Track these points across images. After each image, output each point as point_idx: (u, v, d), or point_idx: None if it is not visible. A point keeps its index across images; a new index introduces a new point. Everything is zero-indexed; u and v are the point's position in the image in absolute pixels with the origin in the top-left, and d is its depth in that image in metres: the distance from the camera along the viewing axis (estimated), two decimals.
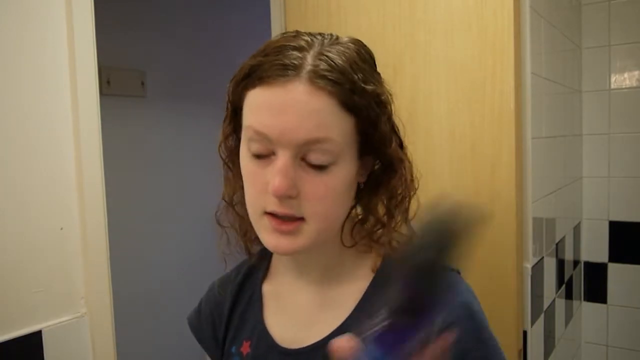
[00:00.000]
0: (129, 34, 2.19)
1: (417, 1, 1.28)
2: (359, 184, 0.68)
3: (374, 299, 0.68)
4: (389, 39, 1.32)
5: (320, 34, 0.65)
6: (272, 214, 0.61)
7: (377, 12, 1.34)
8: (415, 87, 1.29)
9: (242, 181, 0.67)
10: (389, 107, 0.66)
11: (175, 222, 2.32)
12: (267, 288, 0.77)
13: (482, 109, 1.21)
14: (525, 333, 1.24)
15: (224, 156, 0.71)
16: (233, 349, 0.76)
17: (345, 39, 0.66)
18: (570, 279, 1.79)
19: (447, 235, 0.46)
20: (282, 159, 0.59)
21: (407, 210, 0.69)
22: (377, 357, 0.44)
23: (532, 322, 1.28)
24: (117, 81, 2.14)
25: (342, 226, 0.69)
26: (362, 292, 0.69)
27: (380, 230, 0.68)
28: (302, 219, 0.61)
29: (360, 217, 0.70)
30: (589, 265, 1.99)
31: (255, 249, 0.78)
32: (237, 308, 0.78)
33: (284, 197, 0.59)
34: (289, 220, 0.61)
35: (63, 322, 0.96)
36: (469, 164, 1.23)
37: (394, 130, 0.67)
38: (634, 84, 1.89)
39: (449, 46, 1.24)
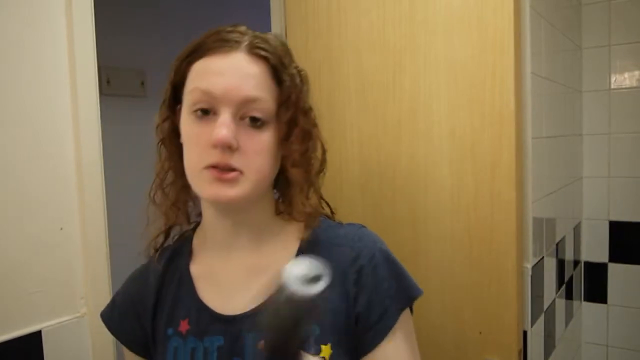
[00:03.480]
0: (129, 34, 2.19)
1: (417, 1, 1.28)
2: (288, 170, 0.76)
3: None
4: (389, 39, 1.32)
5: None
6: (213, 167, 0.69)
7: (377, 12, 1.34)
8: (415, 87, 1.29)
9: (171, 162, 0.79)
10: (305, 89, 0.77)
11: None
12: (196, 268, 0.82)
13: (482, 109, 1.21)
14: (525, 333, 1.24)
15: (160, 137, 0.80)
16: (170, 331, 0.78)
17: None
18: (571, 279, 1.79)
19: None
20: (225, 114, 0.69)
21: (316, 183, 0.80)
22: None
23: (532, 322, 1.28)
24: (117, 81, 2.14)
25: (269, 193, 0.79)
26: (293, 255, 0.77)
27: (300, 200, 0.77)
28: (241, 172, 0.69)
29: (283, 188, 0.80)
30: (589, 265, 1.98)
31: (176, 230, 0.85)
32: (165, 293, 0.81)
33: (225, 148, 0.68)
34: (229, 171, 0.69)
35: (63, 322, 0.96)
36: (469, 164, 1.23)
37: (309, 110, 0.77)
38: (634, 84, 1.89)
39: (449, 46, 1.24)
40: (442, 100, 1.26)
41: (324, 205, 0.85)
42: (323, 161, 0.81)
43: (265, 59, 0.71)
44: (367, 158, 1.37)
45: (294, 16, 1.48)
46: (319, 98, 1.42)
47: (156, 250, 0.84)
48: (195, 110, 0.71)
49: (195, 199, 0.83)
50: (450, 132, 1.25)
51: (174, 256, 0.84)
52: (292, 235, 0.79)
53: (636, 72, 1.89)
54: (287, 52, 0.76)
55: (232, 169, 0.69)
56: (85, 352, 0.99)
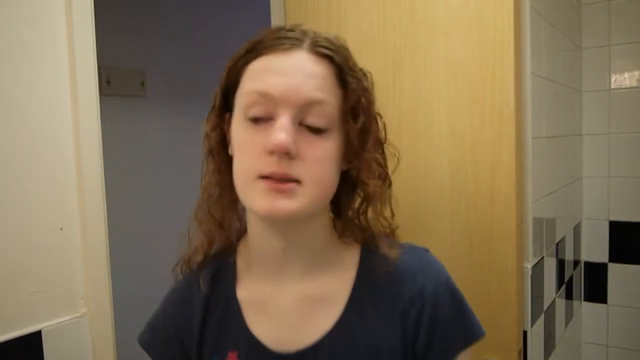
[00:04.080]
0: (129, 34, 2.19)
1: (417, 1, 1.28)
2: (364, 183, 0.69)
3: (364, 294, 0.69)
4: (389, 39, 1.32)
5: None
6: (267, 178, 0.61)
7: (377, 12, 1.34)
8: (415, 87, 1.29)
9: (219, 175, 0.70)
10: (371, 94, 0.70)
11: (175, 222, 2.32)
12: (244, 294, 0.73)
13: (482, 109, 1.21)
14: (525, 333, 1.24)
15: (207, 147, 0.71)
16: None
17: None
18: (571, 279, 1.79)
19: None
20: (284, 118, 0.60)
21: (380, 202, 0.72)
22: None
23: (532, 322, 1.28)
24: (117, 81, 2.14)
25: (326, 211, 0.71)
26: (351, 285, 0.69)
27: (380, 218, 0.71)
28: (299, 182, 0.61)
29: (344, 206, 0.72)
30: (589, 265, 1.98)
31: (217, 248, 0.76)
32: (211, 318, 0.73)
33: (283, 155, 0.60)
34: (286, 181, 0.61)
35: (63, 322, 0.96)
36: (469, 164, 1.23)
37: (380, 117, 0.71)
38: (634, 84, 1.89)
39: (449, 46, 1.24)
40: (442, 100, 1.26)
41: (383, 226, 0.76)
42: (384, 179, 0.74)
43: (329, 58, 0.63)
44: None
45: (294, 16, 1.48)
46: None
47: (193, 269, 0.76)
48: (250, 116, 0.63)
49: (242, 218, 0.74)
50: (450, 132, 1.25)
51: (217, 276, 0.75)
52: (349, 261, 0.71)
53: (636, 72, 1.89)
54: (350, 54, 0.68)
55: (290, 180, 0.61)
56: (85, 352, 0.99)
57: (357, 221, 0.71)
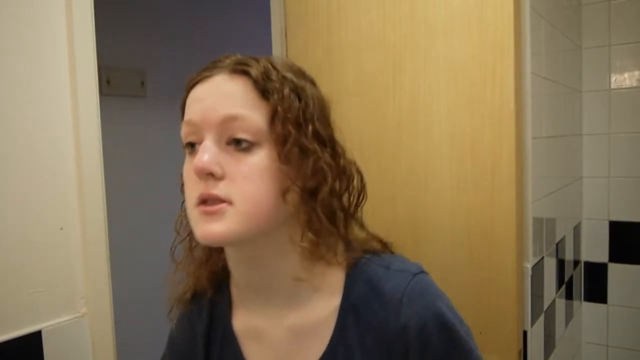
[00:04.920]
0: (129, 34, 2.19)
1: (417, 1, 1.28)
2: (301, 196, 0.64)
3: (349, 324, 0.66)
4: (389, 39, 1.32)
5: None
6: (202, 203, 0.61)
7: (377, 12, 1.34)
8: (415, 87, 1.29)
9: None
10: (312, 103, 0.66)
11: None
12: (239, 325, 0.73)
13: (482, 109, 1.21)
14: (525, 333, 1.24)
15: (181, 184, 0.71)
16: None
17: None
18: (571, 279, 1.79)
19: None
20: (206, 141, 0.61)
21: (345, 215, 0.68)
22: None
23: (532, 322, 1.28)
24: (117, 81, 2.14)
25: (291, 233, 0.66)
26: (336, 314, 0.67)
27: (312, 242, 0.65)
28: (229, 203, 0.60)
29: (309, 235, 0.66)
30: (589, 265, 1.98)
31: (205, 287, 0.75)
32: (212, 350, 0.74)
33: (208, 176, 0.60)
34: (214, 204, 0.60)
35: (63, 322, 0.96)
36: (469, 164, 1.23)
37: (307, 125, 0.64)
38: (634, 84, 1.89)
39: (449, 46, 1.24)
40: (442, 100, 1.26)
41: (372, 244, 0.72)
42: (361, 189, 0.70)
43: (246, 73, 0.63)
44: (367, 158, 1.37)
45: (294, 16, 1.48)
46: None
47: (188, 305, 0.76)
48: (186, 146, 0.65)
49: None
50: (450, 132, 1.25)
51: (214, 308, 0.75)
52: (334, 286, 0.68)
53: (636, 72, 1.89)
54: (286, 67, 0.66)
55: (220, 201, 0.60)
56: (85, 352, 0.99)
57: (309, 250, 0.65)
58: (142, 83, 2.26)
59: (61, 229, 0.96)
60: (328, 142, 0.67)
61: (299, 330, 0.68)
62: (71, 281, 0.98)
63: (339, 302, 0.67)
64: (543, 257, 1.39)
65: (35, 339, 0.91)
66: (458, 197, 1.24)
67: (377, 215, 1.35)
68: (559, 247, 1.60)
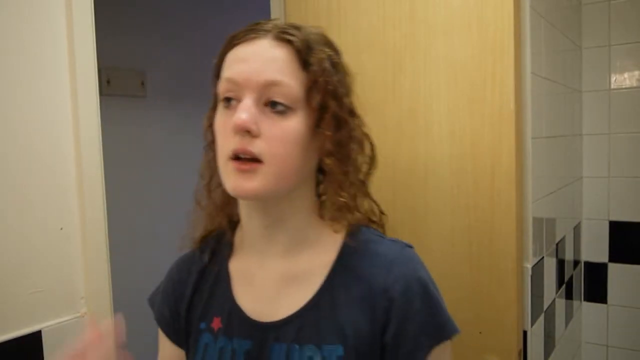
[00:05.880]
0: (129, 34, 2.19)
1: (417, 1, 1.28)
2: (323, 161, 0.71)
3: (340, 278, 0.72)
4: (389, 39, 1.32)
5: None
6: (235, 159, 0.66)
7: (377, 12, 1.34)
8: (415, 87, 1.29)
9: (216, 163, 0.72)
10: (345, 77, 0.73)
11: (175, 221, 2.32)
12: (234, 265, 0.79)
13: (482, 109, 1.21)
14: (525, 333, 1.24)
15: (207, 140, 0.77)
16: (203, 325, 0.78)
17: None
18: (570, 279, 1.79)
19: None
20: (246, 99, 0.66)
21: (363, 183, 0.76)
22: None
23: (532, 322, 1.28)
24: (117, 81, 2.14)
25: (307, 192, 0.74)
26: (330, 266, 0.73)
27: (333, 197, 0.72)
28: (261, 162, 0.66)
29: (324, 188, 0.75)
30: (589, 265, 1.98)
31: (221, 234, 0.82)
32: (204, 285, 0.80)
33: (245, 133, 0.65)
34: (248, 161, 0.66)
35: (63, 322, 0.96)
36: (469, 164, 1.23)
37: (343, 97, 0.71)
38: (634, 84, 1.89)
39: (449, 46, 1.24)
40: (442, 100, 1.26)
41: (374, 211, 0.79)
42: (372, 158, 0.77)
43: (290, 42, 0.68)
44: None
45: (294, 16, 1.48)
46: None
47: (199, 243, 0.83)
48: (223, 100, 0.69)
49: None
50: (450, 132, 1.25)
51: (217, 250, 0.82)
52: (331, 245, 0.74)
53: (636, 72, 1.89)
54: (323, 41, 0.71)
55: (252, 159, 0.65)
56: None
57: (337, 207, 0.73)
58: (142, 83, 2.26)
59: (61, 229, 0.97)
60: (355, 113, 0.74)
61: (290, 277, 0.74)
62: (71, 281, 0.98)
63: (334, 258, 0.73)
64: (543, 257, 1.39)
65: (35, 339, 0.91)
66: (458, 197, 1.24)
67: None
68: (559, 247, 1.61)
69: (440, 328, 0.70)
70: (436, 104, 1.26)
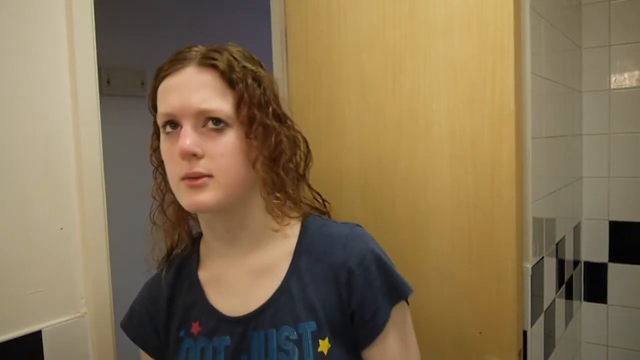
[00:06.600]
0: (129, 34, 2.20)
1: (417, 1, 1.28)
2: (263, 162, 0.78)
3: (302, 261, 0.81)
4: (389, 39, 1.32)
5: None
6: (187, 178, 0.73)
7: (377, 12, 1.34)
8: (415, 87, 1.29)
9: (166, 184, 0.82)
10: (268, 87, 0.80)
11: None
12: (203, 274, 0.87)
13: (482, 109, 1.21)
14: (525, 333, 1.24)
15: (154, 165, 0.88)
16: (182, 333, 0.84)
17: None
18: (570, 279, 1.79)
19: None
20: (185, 127, 0.74)
21: (303, 177, 0.86)
22: None
23: (532, 322, 1.28)
24: (117, 81, 2.14)
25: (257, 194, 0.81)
26: (291, 255, 0.81)
27: (277, 202, 0.81)
28: (211, 176, 0.73)
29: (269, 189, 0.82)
30: (589, 265, 1.98)
31: (181, 247, 0.91)
32: (177, 298, 0.87)
33: (191, 156, 0.72)
34: (198, 177, 0.73)
35: (63, 322, 0.96)
36: (469, 164, 1.23)
37: (267, 106, 0.78)
38: (634, 84, 1.89)
39: (449, 46, 1.24)
40: (442, 100, 1.26)
41: (316, 200, 0.90)
42: (307, 153, 0.86)
43: (214, 66, 0.74)
44: (367, 158, 1.37)
45: (294, 16, 1.48)
46: (319, 98, 1.43)
47: (164, 262, 0.90)
48: (164, 128, 0.76)
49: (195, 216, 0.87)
50: (450, 132, 1.25)
51: (184, 263, 0.89)
52: (290, 235, 0.83)
53: (636, 72, 1.89)
54: (244, 57, 0.79)
55: (202, 175, 0.73)
56: (85, 352, 0.99)
57: (277, 206, 0.81)
58: (142, 83, 2.27)
59: (61, 229, 0.97)
60: (282, 117, 0.82)
61: (257, 269, 0.82)
62: (71, 281, 0.98)
63: (295, 245, 0.82)
64: (543, 257, 1.39)
65: (35, 339, 0.91)
66: (458, 197, 1.24)
67: (377, 215, 1.35)
68: (559, 247, 1.61)
69: (395, 288, 0.80)
70: (436, 104, 1.26)
